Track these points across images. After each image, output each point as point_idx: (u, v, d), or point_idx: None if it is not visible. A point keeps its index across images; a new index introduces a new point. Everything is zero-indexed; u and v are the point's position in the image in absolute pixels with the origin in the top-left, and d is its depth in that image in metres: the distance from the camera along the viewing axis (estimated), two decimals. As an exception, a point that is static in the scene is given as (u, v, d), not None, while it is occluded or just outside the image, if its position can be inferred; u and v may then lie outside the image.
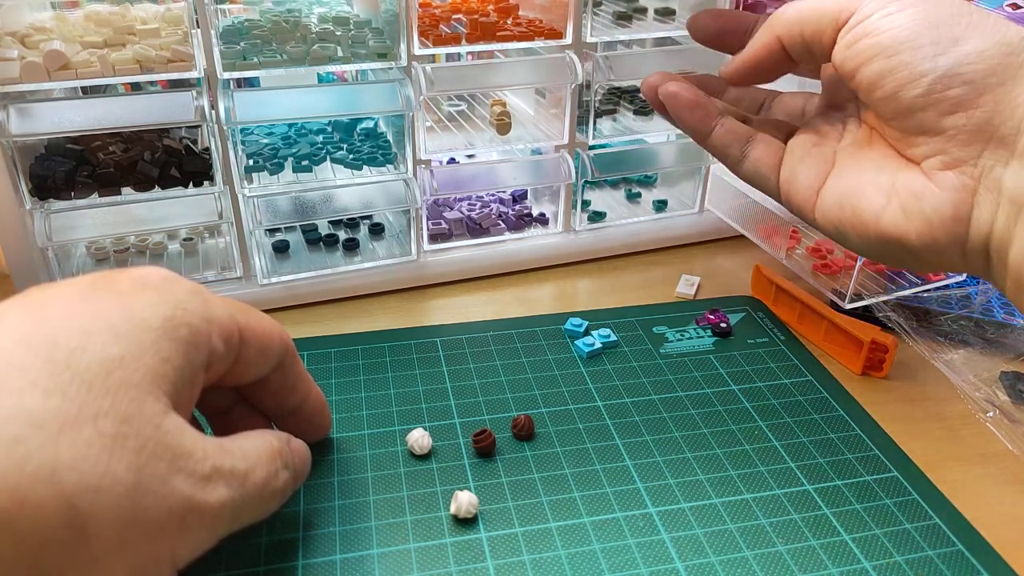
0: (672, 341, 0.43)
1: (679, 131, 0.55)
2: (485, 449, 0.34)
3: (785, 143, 0.37)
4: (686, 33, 0.50)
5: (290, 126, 0.53)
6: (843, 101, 0.35)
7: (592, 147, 0.52)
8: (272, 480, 0.27)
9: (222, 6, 0.42)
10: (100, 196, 0.43)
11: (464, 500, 0.31)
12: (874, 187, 0.32)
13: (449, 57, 0.51)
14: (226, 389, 0.31)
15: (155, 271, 0.26)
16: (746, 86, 0.39)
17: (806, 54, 0.35)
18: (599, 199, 0.58)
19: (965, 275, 0.48)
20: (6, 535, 0.19)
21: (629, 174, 0.56)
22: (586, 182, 0.51)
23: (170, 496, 0.22)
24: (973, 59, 0.29)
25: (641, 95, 0.58)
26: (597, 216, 0.54)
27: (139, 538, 0.22)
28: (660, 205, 0.57)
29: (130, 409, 0.22)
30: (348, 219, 0.53)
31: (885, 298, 0.45)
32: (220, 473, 0.24)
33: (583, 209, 0.53)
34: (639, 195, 0.58)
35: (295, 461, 0.29)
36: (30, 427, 0.20)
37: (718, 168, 0.55)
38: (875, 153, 0.33)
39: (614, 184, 0.60)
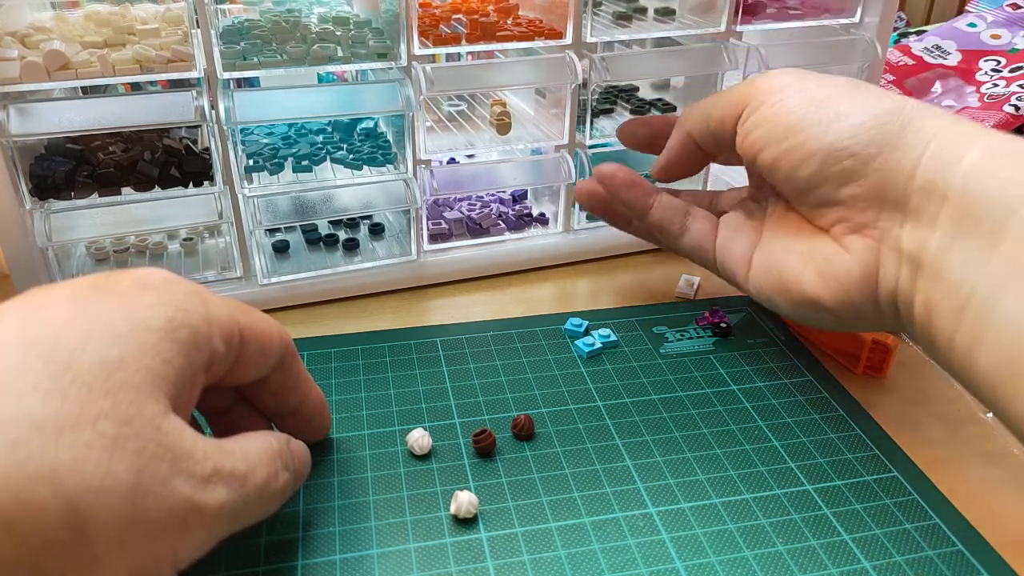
0: (672, 341, 0.43)
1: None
2: (485, 449, 0.34)
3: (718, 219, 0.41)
4: (686, 33, 0.51)
5: (290, 126, 0.53)
6: (765, 182, 0.38)
7: (591, 147, 0.52)
8: (272, 481, 0.27)
9: (222, 6, 0.42)
10: (100, 196, 0.43)
11: (464, 500, 0.31)
12: (793, 255, 0.35)
13: (449, 57, 0.51)
14: (226, 389, 0.31)
15: (155, 272, 0.26)
16: (672, 181, 0.43)
17: (716, 146, 0.39)
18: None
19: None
20: (7, 536, 0.19)
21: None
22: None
23: (171, 497, 0.22)
24: (854, 132, 0.32)
25: (638, 96, 0.58)
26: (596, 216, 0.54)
27: (140, 539, 0.22)
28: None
29: (130, 411, 0.22)
30: (348, 219, 0.53)
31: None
32: (220, 474, 0.24)
33: (581, 208, 0.53)
34: None
35: (295, 462, 0.29)
36: (31, 429, 0.20)
37: (718, 169, 0.55)
38: (792, 224, 0.36)
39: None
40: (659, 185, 0.43)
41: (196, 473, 0.23)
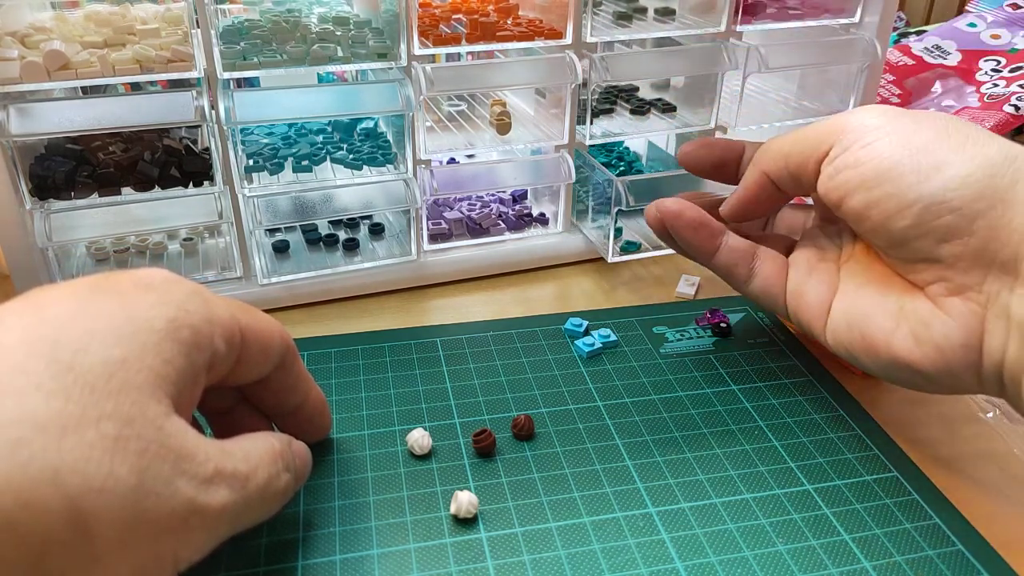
0: (672, 341, 0.43)
1: (677, 132, 0.56)
2: (485, 449, 0.34)
3: (786, 256, 0.37)
4: (686, 33, 0.51)
5: (290, 126, 0.53)
6: (836, 216, 0.35)
7: (591, 149, 0.52)
8: (274, 482, 0.27)
9: (222, 6, 0.42)
10: (100, 196, 0.43)
11: (464, 500, 0.31)
12: (882, 311, 0.31)
13: (449, 57, 0.51)
14: (227, 390, 0.31)
15: (156, 272, 0.26)
16: (744, 222, 0.40)
17: (794, 186, 0.35)
18: (630, 227, 0.55)
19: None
20: (9, 536, 0.19)
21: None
22: (620, 211, 0.49)
23: (173, 498, 0.22)
24: (958, 185, 0.28)
25: (638, 95, 0.58)
26: (631, 246, 0.52)
27: (141, 539, 0.22)
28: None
29: (132, 411, 0.22)
30: (348, 219, 0.53)
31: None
32: (222, 475, 0.24)
33: (615, 238, 0.51)
34: None
35: (296, 463, 0.29)
36: (33, 429, 0.20)
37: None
38: (877, 274, 0.33)
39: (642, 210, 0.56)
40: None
41: (198, 474, 0.23)
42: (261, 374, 0.29)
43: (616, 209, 0.49)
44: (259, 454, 0.27)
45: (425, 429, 0.35)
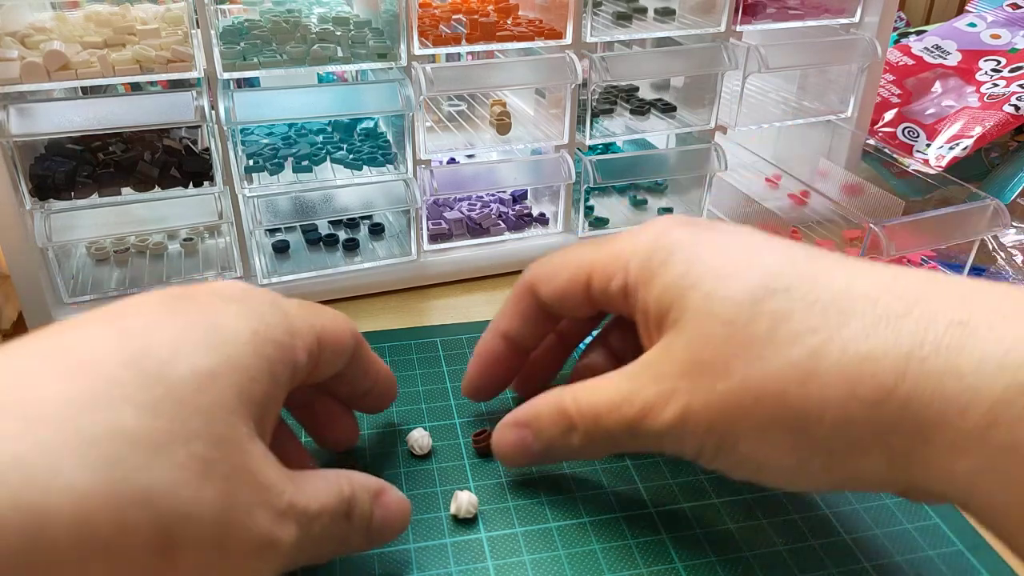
0: (672, 341, 0.43)
1: (678, 133, 0.56)
2: (485, 449, 0.34)
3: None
4: (686, 33, 0.51)
5: (290, 126, 0.53)
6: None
7: (591, 148, 0.52)
8: (334, 527, 0.25)
9: (222, 6, 0.43)
10: (100, 196, 0.43)
11: (464, 500, 0.31)
12: None
13: (449, 57, 0.51)
14: (304, 387, 0.30)
15: (232, 283, 0.26)
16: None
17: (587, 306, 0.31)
18: (605, 205, 0.58)
19: (965, 276, 0.48)
20: (101, 560, 0.18)
21: (633, 181, 0.55)
22: (588, 188, 0.51)
23: (253, 528, 0.21)
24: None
25: (638, 96, 0.58)
26: (600, 222, 0.54)
27: (219, 569, 0.21)
28: (666, 212, 0.56)
29: (221, 432, 0.21)
30: (348, 219, 0.53)
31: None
32: (294, 510, 0.23)
33: (586, 215, 0.53)
34: (645, 202, 0.58)
35: (376, 516, 0.27)
36: (127, 446, 0.19)
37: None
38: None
39: (622, 191, 0.60)
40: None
41: (275, 506, 0.22)
42: (336, 371, 0.29)
43: (586, 187, 0.50)
44: (328, 494, 0.25)
45: (425, 429, 0.35)
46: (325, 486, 0.25)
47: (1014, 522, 0.21)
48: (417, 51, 0.44)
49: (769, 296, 0.24)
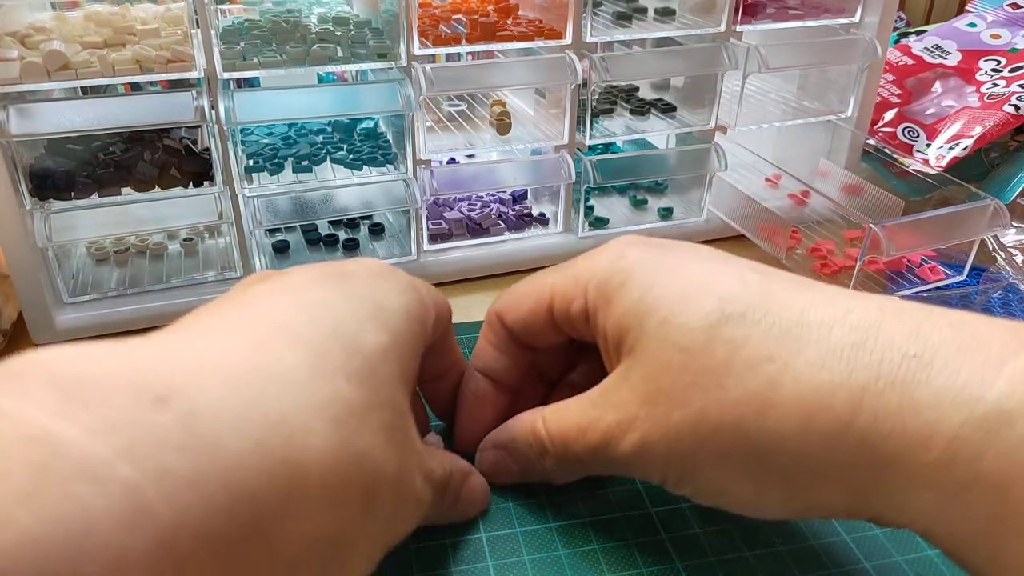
0: (672, 341, 0.43)
1: (678, 133, 0.56)
2: None
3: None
4: (686, 33, 0.51)
5: (290, 126, 0.53)
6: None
7: (591, 148, 0.52)
8: (435, 497, 0.27)
9: (222, 6, 0.42)
10: (100, 196, 0.43)
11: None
12: None
13: (449, 57, 0.51)
14: None
15: (372, 261, 0.28)
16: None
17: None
18: (605, 205, 0.58)
19: (965, 276, 0.48)
20: (329, 508, 0.20)
21: (632, 181, 0.55)
22: (588, 188, 0.51)
23: (414, 488, 0.24)
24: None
25: (638, 95, 0.58)
26: (599, 222, 0.54)
27: (394, 523, 0.23)
28: (666, 212, 0.56)
29: (396, 401, 0.23)
30: (348, 219, 0.53)
31: (885, 298, 0.45)
32: (431, 476, 0.26)
33: (586, 215, 0.53)
34: (645, 202, 0.58)
35: (463, 495, 0.29)
36: (346, 412, 0.21)
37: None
38: None
39: (622, 191, 0.60)
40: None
41: (423, 470, 0.25)
42: (433, 342, 0.30)
43: (586, 187, 0.50)
44: (438, 468, 0.27)
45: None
46: (438, 459, 0.27)
47: (979, 556, 0.21)
48: (417, 51, 0.44)
49: (724, 322, 0.24)
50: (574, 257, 0.30)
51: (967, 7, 0.74)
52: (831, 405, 0.22)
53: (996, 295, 0.47)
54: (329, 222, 0.53)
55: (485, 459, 0.32)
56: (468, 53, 0.51)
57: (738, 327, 0.24)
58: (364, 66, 0.45)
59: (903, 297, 0.45)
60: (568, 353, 0.33)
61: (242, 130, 0.46)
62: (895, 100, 0.66)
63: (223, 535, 0.17)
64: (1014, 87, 0.61)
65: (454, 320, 0.44)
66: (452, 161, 0.55)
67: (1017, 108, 0.59)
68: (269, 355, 0.21)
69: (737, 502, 0.25)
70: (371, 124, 0.54)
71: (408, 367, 0.25)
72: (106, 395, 0.17)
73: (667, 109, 0.55)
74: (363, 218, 0.53)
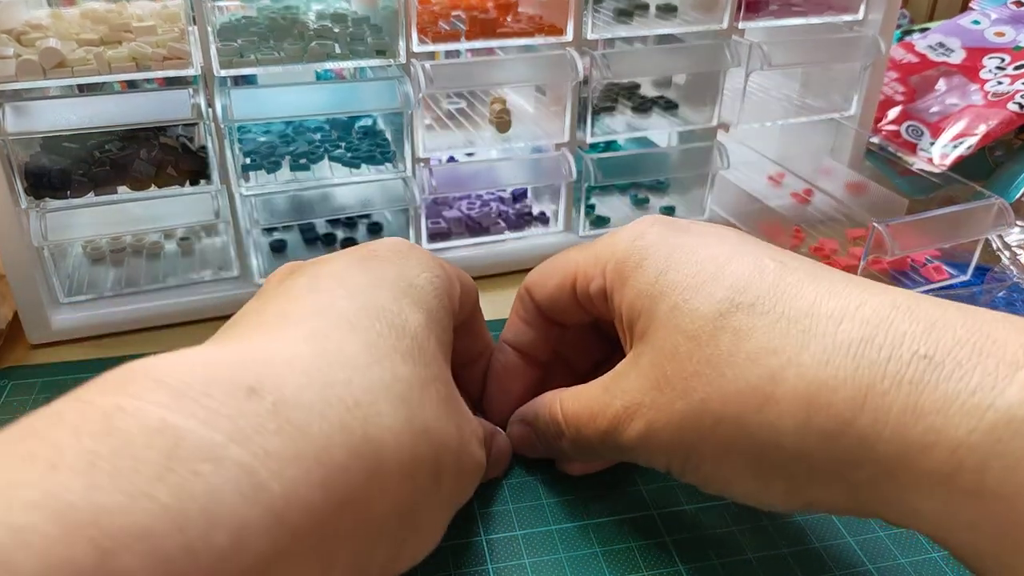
0: (674, 341, 0.42)
1: (680, 131, 0.55)
2: None
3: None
4: (688, 30, 0.50)
5: (287, 124, 0.53)
6: None
7: (592, 146, 0.51)
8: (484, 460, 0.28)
9: (219, 3, 0.42)
10: (96, 195, 0.42)
11: None
12: None
13: (448, 54, 0.50)
14: None
15: (393, 240, 0.29)
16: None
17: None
18: (606, 204, 0.57)
19: (969, 275, 0.48)
20: (399, 483, 0.21)
21: (633, 179, 0.55)
22: (589, 187, 0.50)
23: (474, 454, 0.26)
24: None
25: (640, 93, 0.58)
26: (601, 221, 0.54)
27: (460, 486, 0.25)
28: (668, 211, 0.56)
29: (446, 375, 0.25)
30: (346, 218, 0.52)
31: (889, 297, 0.44)
32: (483, 441, 0.27)
33: (587, 214, 0.53)
34: (647, 201, 0.58)
35: (493, 451, 0.31)
36: (407, 389, 0.22)
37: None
38: None
39: (623, 189, 0.59)
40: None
41: (477, 435, 0.26)
42: (461, 322, 0.30)
43: (587, 185, 0.50)
44: (481, 428, 0.28)
45: None
46: (478, 421, 0.28)
47: (991, 564, 0.20)
48: (416, 48, 0.44)
49: (733, 311, 0.24)
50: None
51: (971, 4, 0.73)
52: (833, 402, 0.21)
53: (1000, 294, 0.47)
54: (327, 221, 0.53)
55: (513, 432, 0.33)
56: (468, 50, 0.50)
57: (746, 317, 0.23)
58: (362, 63, 0.44)
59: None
60: (599, 345, 0.34)
61: (239, 128, 0.46)
62: (899, 98, 0.65)
63: (323, 508, 0.19)
64: (1018, 85, 0.61)
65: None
66: (451, 159, 0.55)
67: (1021, 106, 0.59)
68: (332, 344, 0.22)
69: (742, 494, 0.25)
70: (370, 122, 0.54)
71: (444, 340, 0.26)
72: (207, 390, 0.19)
73: (669, 107, 0.55)
74: (361, 217, 0.53)
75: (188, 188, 0.44)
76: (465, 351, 0.32)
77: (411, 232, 0.48)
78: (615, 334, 0.29)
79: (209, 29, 0.40)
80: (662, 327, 0.25)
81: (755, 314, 0.23)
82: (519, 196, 0.56)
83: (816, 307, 0.23)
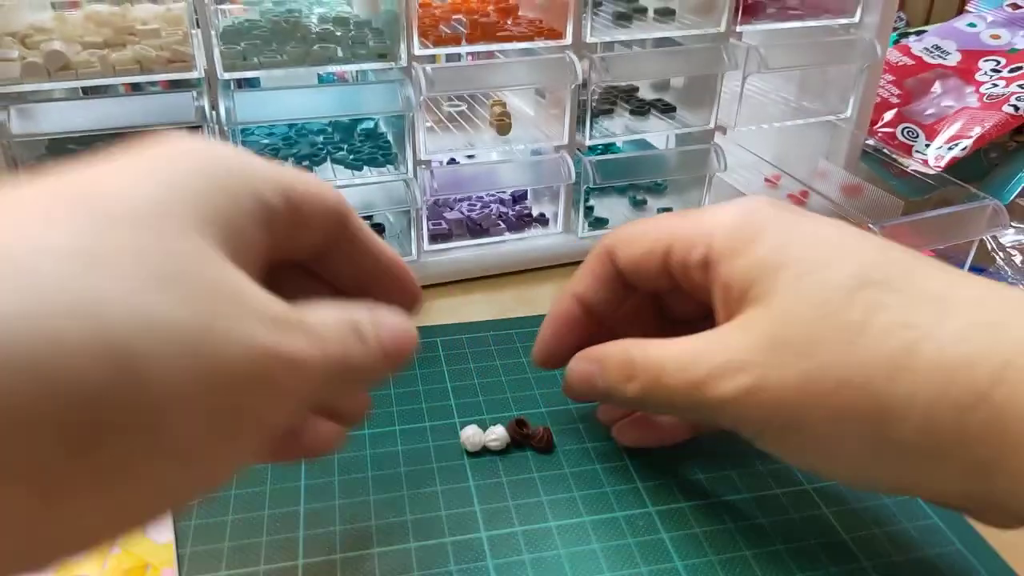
0: (672, 341, 0.43)
1: (678, 133, 0.56)
2: (545, 447, 0.35)
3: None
4: (686, 33, 0.51)
5: (290, 126, 0.53)
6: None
7: (591, 149, 0.52)
8: (352, 350, 0.22)
9: (222, 6, 0.42)
10: (100, 196, 0.42)
11: (470, 432, 0.33)
12: None
13: (449, 57, 0.51)
14: (300, 275, 0.27)
15: (184, 133, 0.23)
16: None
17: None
18: (604, 206, 0.57)
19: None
20: (42, 384, 0.15)
21: (632, 181, 0.55)
22: (588, 189, 0.51)
23: (246, 339, 0.18)
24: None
25: (638, 96, 0.58)
26: (599, 222, 0.54)
27: (212, 388, 0.17)
28: (665, 212, 0.56)
29: (178, 246, 0.18)
30: (348, 219, 0.53)
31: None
32: (300, 325, 0.20)
33: (586, 216, 0.53)
34: (645, 202, 0.58)
35: (382, 335, 0.24)
36: (56, 259, 0.16)
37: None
38: None
39: (621, 191, 0.60)
40: None
41: (267, 312, 0.19)
42: (326, 238, 0.26)
43: (585, 187, 0.50)
44: (334, 319, 0.22)
45: (480, 427, 0.35)
46: (327, 312, 0.22)
47: None
48: (417, 51, 0.44)
49: (866, 286, 0.24)
50: (578, 256, 0.30)
51: (967, 7, 0.74)
52: (972, 376, 0.21)
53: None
54: (329, 222, 0.53)
55: (575, 368, 0.31)
56: (468, 53, 0.51)
57: (879, 292, 0.23)
58: (364, 66, 0.45)
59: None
60: (653, 323, 0.34)
61: (242, 130, 0.46)
62: (895, 100, 0.66)
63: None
64: (1013, 87, 0.61)
65: (452, 319, 0.45)
66: (452, 161, 0.55)
67: (1016, 108, 0.59)
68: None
69: (841, 468, 0.25)
70: (371, 124, 0.54)
71: (202, 213, 0.20)
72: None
73: (667, 109, 0.55)
74: (363, 218, 0.53)
75: (191, 190, 0.44)
76: (354, 275, 0.27)
77: (412, 233, 0.48)
78: (680, 310, 0.31)
79: (212, 32, 0.41)
80: (784, 294, 0.25)
81: (888, 291, 0.23)
82: (519, 198, 0.56)
83: (949, 290, 0.23)
